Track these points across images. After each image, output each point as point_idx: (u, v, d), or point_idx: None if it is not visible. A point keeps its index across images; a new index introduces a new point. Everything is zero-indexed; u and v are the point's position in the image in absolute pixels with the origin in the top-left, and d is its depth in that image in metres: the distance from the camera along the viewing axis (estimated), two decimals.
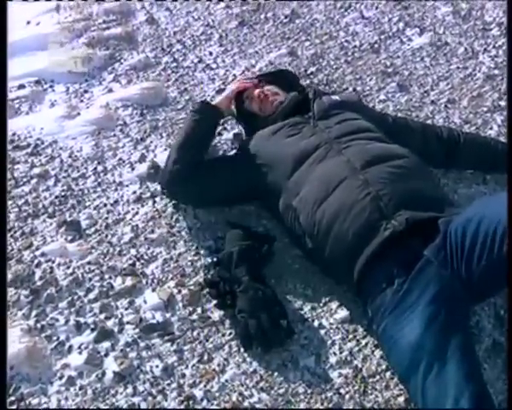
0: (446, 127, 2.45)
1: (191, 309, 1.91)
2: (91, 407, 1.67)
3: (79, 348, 1.81)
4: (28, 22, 3.25)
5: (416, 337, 1.61)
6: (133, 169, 2.39)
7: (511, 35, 2.93)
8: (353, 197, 1.85)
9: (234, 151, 2.43)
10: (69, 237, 2.12)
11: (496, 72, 2.89)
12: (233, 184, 2.18)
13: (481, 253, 1.65)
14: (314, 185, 1.96)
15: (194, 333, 1.85)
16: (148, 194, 2.28)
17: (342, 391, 1.72)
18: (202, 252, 2.08)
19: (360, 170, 1.91)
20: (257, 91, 2.38)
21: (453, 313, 1.64)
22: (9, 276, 1.96)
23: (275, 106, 2.32)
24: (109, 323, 1.87)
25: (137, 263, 2.05)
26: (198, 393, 1.71)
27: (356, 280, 1.83)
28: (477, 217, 1.69)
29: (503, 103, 2.71)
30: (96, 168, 2.40)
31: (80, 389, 1.71)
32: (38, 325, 1.85)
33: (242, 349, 1.81)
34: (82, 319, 1.88)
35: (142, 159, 2.43)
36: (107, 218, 2.20)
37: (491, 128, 2.59)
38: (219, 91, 2.75)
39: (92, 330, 1.85)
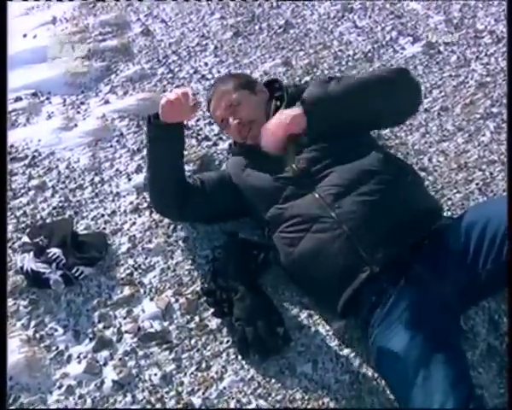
0: None
1: (189, 318, 1.93)
2: None
3: (78, 357, 1.82)
4: (25, 35, 3.26)
5: (401, 348, 1.62)
6: (130, 180, 2.41)
7: (511, 35, 2.95)
8: (327, 239, 1.81)
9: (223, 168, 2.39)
10: None
11: (488, 79, 2.91)
12: (223, 205, 2.15)
13: (487, 256, 1.69)
14: (289, 225, 1.92)
15: (192, 341, 1.87)
16: (145, 204, 2.29)
17: (339, 397, 1.74)
18: (199, 261, 2.10)
19: (331, 206, 1.84)
20: (232, 127, 2.11)
21: (440, 321, 1.66)
22: (8, 287, 1.98)
23: (253, 137, 2.08)
24: (108, 332, 1.89)
25: (135, 273, 2.07)
26: (196, 400, 1.74)
27: (340, 313, 1.86)
28: (481, 220, 1.73)
29: (495, 110, 2.73)
30: (93, 179, 2.42)
31: (79, 398, 1.73)
32: (37, 335, 1.87)
33: (240, 357, 1.83)
34: (81, 329, 1.90)
35: (138, 169, 2.45)
36: (104, 228, 2.21)
37: (483, 135, 2.61)
38: None
39: (91, 339, 1.87)
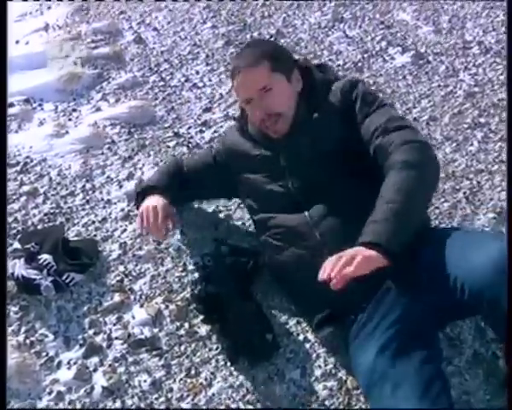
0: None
1: (178, 324, 1.94)
2: None
3: (68, 363, 1.83)
4: (17, 41, 3.27)
5: (369, 363, 1.63)
6: (121, 187, 2.42)
7: (511, 36, 2.98)
8: (308, 258, 1.81)
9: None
10: None
11: (476, 89, 2.95)
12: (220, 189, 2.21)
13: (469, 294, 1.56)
14: (276, 233, 1.92)
15: (182, 348, 1.88)
16: (136, 211, 2.29)
17: (327, 403, 1.76)
18: (189, 268, 2.11)
19: (317, 227, 1.81)
20: (257, 113, 1.90)
21: (411, 336, 1.65)
22: None
23: (275, 131, 1.92)
24: (98, 338, 1.90)
25: (126, 279, 2.07)
26: (186, 406, 1.75)
27: (315, 328, 1.89)
28: (466, 265, 1.58)
29: (482, 120, 2.77)
30: (84, 186, 2.43)
31: (69, 403, 1.74)
32: (28, 341, 1.87)
33: (229, 363, 1.84)
34: (71, 335, 1.90)
35: (129, 177, 2.47)
36: (95, 235, 2.22)
37: (471, 144, 2.64)
38: (206, 110, 2.79)
39: (81, 345, 1.87)
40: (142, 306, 1.99)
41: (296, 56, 2.15)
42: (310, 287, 1.78)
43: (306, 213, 1.85)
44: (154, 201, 2.04)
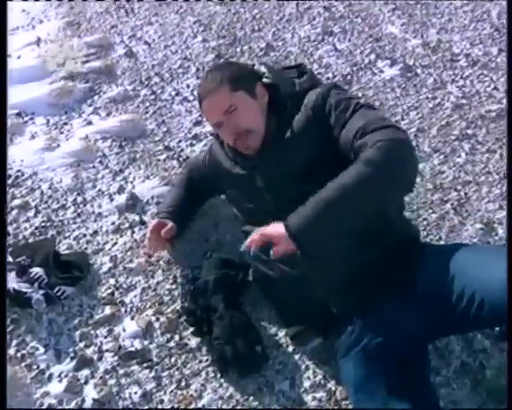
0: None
1: (169, 336, 1.96)
2: None
3: (59, 376, 1.84)
4: (9, 55, 3.28)
5: (360, 375, 1.66)
6: (112, 200, 2.44)
7: (511, 37, 3.00)
8: (294, 276, 1.81)
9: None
10: None
11: (463, 101, 2.98)
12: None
13: (460, 310, 1.61)
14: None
15: (172, 360, 1.90)
16: (127, 224, 2.33)
17: None
18: (179, 281, 2.13)
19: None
20: (227, 135, 1.88)
21: (402, 349, 1.67)
22: None
23: (248, 148, 1.89)
24: (89, 351, 1.91)
25: (116, 292, 2.09)
26: None
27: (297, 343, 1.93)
28: (462, 277, 1.63)
29: (470, 132, 2.80)
30: (75, 199, 2.44)
31: None
32: (19, 355, 1.89)
33: (219, 375, 1.86)
34: (62, 348, 1.92)
35: (120, 190, 2.48)
36: (86, 248, 2.24)
37: (459, 156, 2.67)
38: (197, 123, 2.81)
39: (72, 358, 1.89)
40: (132, 318, 2.01)
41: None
42: (296, 300, 1.82)
43: None
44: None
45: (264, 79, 1.93)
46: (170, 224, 2.09)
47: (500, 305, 1.47)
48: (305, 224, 1.58)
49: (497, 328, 1.88)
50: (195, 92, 3.00)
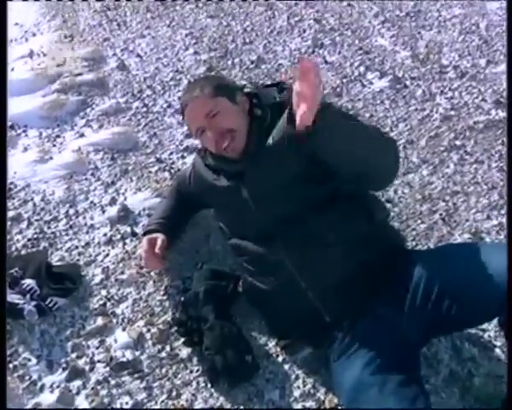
0: None
1: (160, 347, 1.97)
2: None
3: (51, 386, 1.86)
4: None
5: (354, 379, 1.66)
6: (104, 212, 2.46)
7: (511, 39, 3.03)
8: (284, 285, 1.83)
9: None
10: None
11: (452, 113, 3.01)
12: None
13: (452, 306, 1.67)
14: (249, 260, 1.95)
15: (163, 370, 1.91)
16: (119, 236, 2.34)
17: None
18: (170, 292, 2.14)
19: (287, 255, 1.81)
20: (210, 137, 1.87)
21: (394, 353, 1.68)
22: None
23: (232, 149, 1.87)
24: (81, 362, 1.93)
25: (108, 303, 2.11)
26: None
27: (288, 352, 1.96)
28: (451, 271, 1.71)
29: (458, 143, 2.83)
30: (67, 211, 2.46)
31: None
32: (11, 365, 1.90)
33: (209, 385, 1.87)
34: (54, 359, 1.93)
35: (112, 202, 2.50)
36: (78, 260, 2.25)
37: (447, 167, 2.70)
38: (188, 136, 2.83)
39: (64, 369, 1.90)
40: (124, 329, 2.03)
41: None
42: (285, 311, 1.85)
43: (277, 243, 1.83)
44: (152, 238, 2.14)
45: (245, 89, 1.97)
46: (160, 239, 2.10)
47: (490, 300, 1.60)
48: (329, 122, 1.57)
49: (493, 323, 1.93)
50: None
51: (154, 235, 2.13)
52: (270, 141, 1.80)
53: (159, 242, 2.09)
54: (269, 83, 2.36)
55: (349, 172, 1.73)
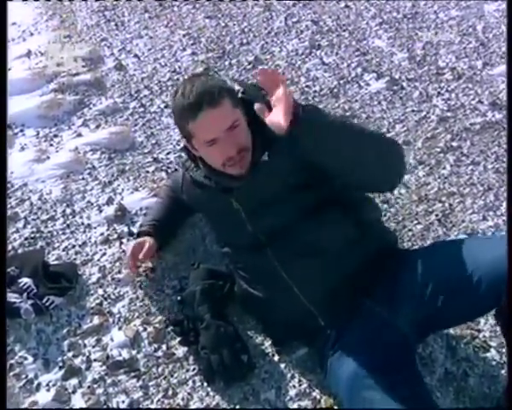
0: None
1: (156, 346, 1.97)
2: None
3: (47, 385, 1.85)
4: None
5: (351, 373, 1.65)
6: (101, 211, 2.46)
7: (511, 39, 3.04)
8: (277, 295, 1.85)
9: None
10: None
11: (449, 114, 3.03)
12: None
13: (447, 298, 1.68)
14: (242, 267, 1.96)
15: (159, 369, 1.91)
16: (115, 235, 2.34)
17: None
18: (167, 291, 2.14)
19: (281, 265, 1.81)
20: (227, 151, 1.73)
21: (389, 350, 1.68)
22: None
23: (242, 166, 1.78)
24: (77, 360, 1.93)
25: (105, 302, 2.11)
26: None
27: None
28: (444, 264, 1.73)
29: (455, 144, 2.84)
30: (64, 211, 2.46)
31: None
32: (7, 364, 1.89)
33: (205, 384, 1.87)
34: (50, 358, 1.93)
35: (109, 201, 2.50)
36: (75, 259, 2.25)
37: (443, 168, 2.71)
38: None
39: (60, 367, 1.90)
40: (120, 328, 2.02)
41: None
42: (279, 316, 1.88)
43: (270, 251, 1.83)
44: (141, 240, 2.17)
45: (240, 95, 1.83)
46: (147, 244, 2.12)
47: (484, 291, 1.60)
48: (314, 118, 1.56)
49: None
50: None
51: (143, 239, 2.15)
52: (265, 157, 1.78)
53: (145, 248, 2.12)
54: None
55: (338, 172, 1.68)
